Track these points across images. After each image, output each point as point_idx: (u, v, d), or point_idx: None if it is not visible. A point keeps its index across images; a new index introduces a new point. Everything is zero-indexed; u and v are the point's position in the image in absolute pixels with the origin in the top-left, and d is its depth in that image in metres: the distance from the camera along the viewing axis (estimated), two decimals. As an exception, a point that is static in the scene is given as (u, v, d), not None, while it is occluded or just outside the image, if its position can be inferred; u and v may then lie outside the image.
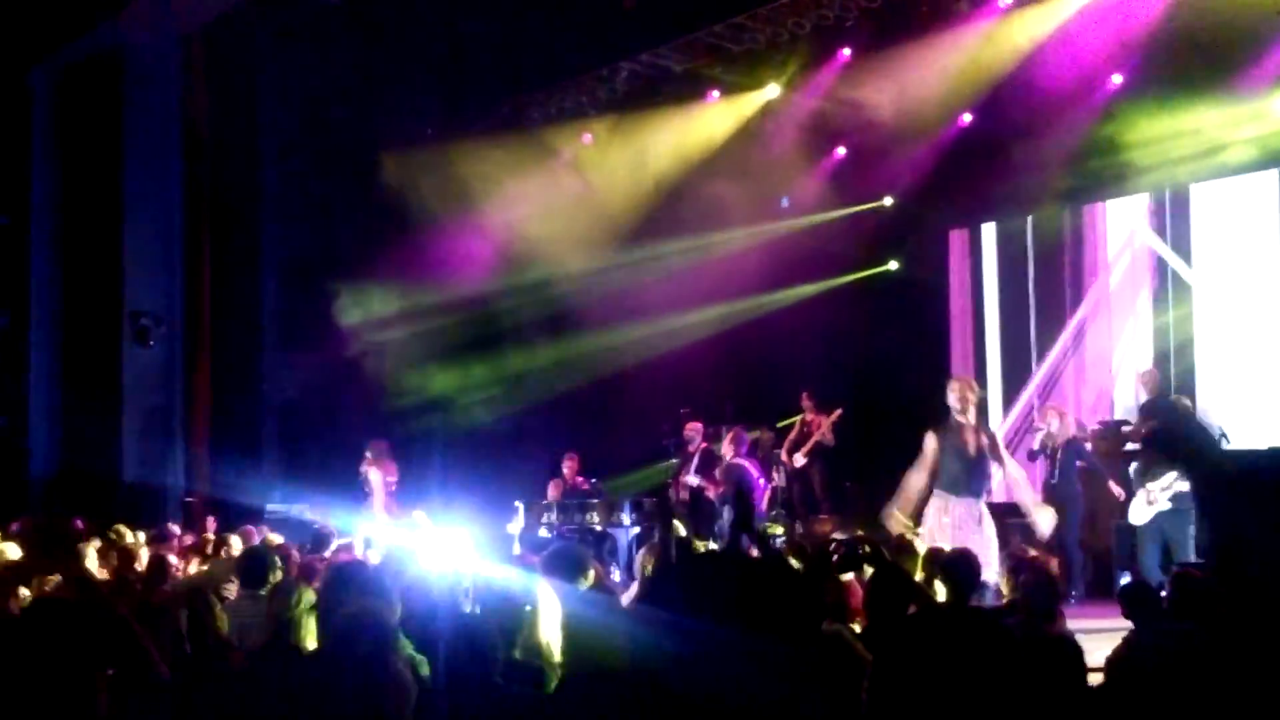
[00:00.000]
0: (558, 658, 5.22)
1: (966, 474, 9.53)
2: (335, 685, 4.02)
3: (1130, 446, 12.51)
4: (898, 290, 16.55)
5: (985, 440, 9.71)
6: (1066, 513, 11.78)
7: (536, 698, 4.63)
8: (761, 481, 14.36)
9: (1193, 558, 10.61)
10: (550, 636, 5.35)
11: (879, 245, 16.69)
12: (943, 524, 9.59)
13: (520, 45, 15.12)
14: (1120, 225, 15.49)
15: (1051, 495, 11.97)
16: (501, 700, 4.36)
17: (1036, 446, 12.34)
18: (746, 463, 13.86)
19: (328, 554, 9.96)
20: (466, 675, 4.46)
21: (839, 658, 4.35)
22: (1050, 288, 15.96)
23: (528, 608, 5.35)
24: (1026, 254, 16.22)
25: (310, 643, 5.40)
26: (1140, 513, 11.20)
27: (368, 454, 14.70)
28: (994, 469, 9.86)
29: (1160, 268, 15.04)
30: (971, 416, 9.66)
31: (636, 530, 13.95)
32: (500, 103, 16.10)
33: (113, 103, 15.80)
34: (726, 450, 14.03)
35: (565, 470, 15.19)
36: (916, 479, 9.54)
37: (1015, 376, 16.27)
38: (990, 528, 9.69)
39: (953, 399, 9.67)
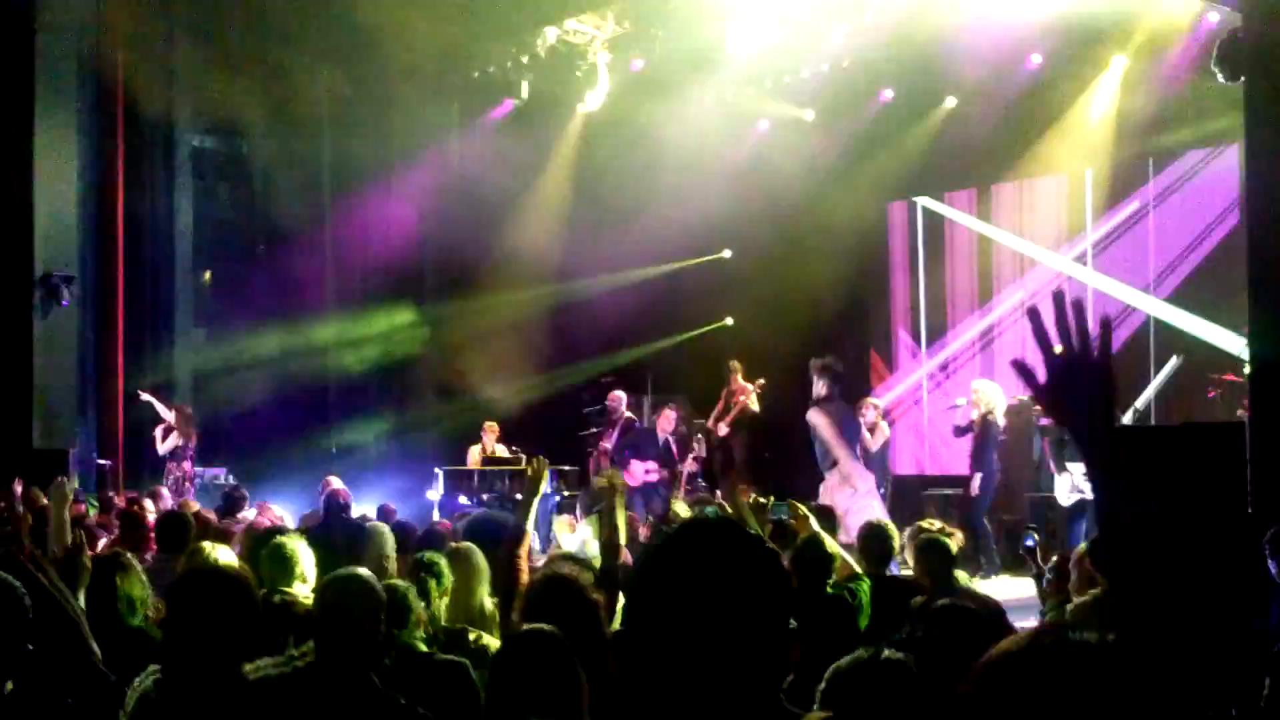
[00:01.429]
0: (492, 622, 5.22)
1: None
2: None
3: (1043, 422, 12.71)
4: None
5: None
6: (982, 488, 12.04)
7: (461, 664, 4.62)
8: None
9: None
10: (484, 600, 5.37)
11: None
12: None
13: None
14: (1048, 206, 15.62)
15: (972, 469, 12.28)
16: (428, 667, 4.36)
17: (963, 424, 12.53)
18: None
19: (241, 517, 9.90)
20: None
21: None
22: (983, 262, 16.09)
23: (449, 575, 5.31)
24: (950, 229, 16.36)
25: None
26: (1067, 495, 11.53)
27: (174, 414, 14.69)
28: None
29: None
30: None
31: (556, 498, 13.89)
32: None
33: (24, 57, 15.38)
34: (664, 427, 14.53)
35: (485, 438, 15.12)
36: None
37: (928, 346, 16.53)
38: (860, 490, 10.42)
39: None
